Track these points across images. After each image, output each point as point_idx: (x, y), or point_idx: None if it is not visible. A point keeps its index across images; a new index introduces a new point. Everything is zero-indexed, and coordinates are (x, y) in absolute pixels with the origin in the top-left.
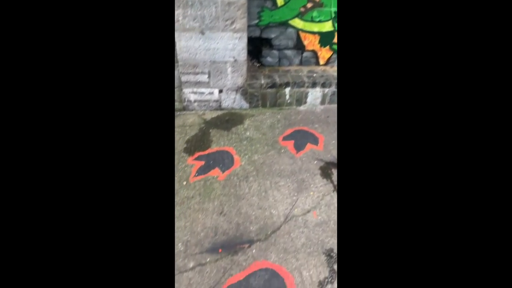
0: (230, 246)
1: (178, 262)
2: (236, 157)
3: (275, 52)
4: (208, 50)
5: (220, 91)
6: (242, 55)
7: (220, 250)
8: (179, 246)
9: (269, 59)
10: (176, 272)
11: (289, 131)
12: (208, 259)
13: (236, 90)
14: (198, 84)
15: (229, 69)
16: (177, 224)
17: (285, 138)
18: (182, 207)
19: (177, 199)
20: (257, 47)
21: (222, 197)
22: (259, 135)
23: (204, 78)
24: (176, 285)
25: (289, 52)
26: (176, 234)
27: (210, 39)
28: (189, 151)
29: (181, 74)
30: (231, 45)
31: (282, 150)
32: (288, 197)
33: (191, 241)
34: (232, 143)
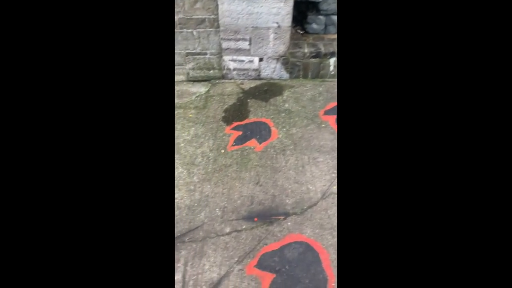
0: (266, 216)
1: (216, 226)
2: (273, 129)
3: (321, 18)
4: (250, 15)
5: (261, 60)
6: (287, 20)
7: (255, 219)
8: (216, 211)
9: (314, 26)
10: (213, 235)
11: (331, 105)
12: (244, 226)
13: (277, 59)
14: (238, 51)
15: (272, 36)
16: (215, 190)
17: (326, 113)
18: (220, 174)
19: (215, 166)
20: (302, 12)
21: (259, 168)
22: (298, 108)
23: (245, 45)
24: (213, 247)
25: (337, 18)
26: (213, 200)
27: (253, 2)
28: (227, 120)
29: (221, 40)
30: (276, 9)
31: (323, 125)
32: (327, 174)
33: (228, 207)
34: (270, 115)
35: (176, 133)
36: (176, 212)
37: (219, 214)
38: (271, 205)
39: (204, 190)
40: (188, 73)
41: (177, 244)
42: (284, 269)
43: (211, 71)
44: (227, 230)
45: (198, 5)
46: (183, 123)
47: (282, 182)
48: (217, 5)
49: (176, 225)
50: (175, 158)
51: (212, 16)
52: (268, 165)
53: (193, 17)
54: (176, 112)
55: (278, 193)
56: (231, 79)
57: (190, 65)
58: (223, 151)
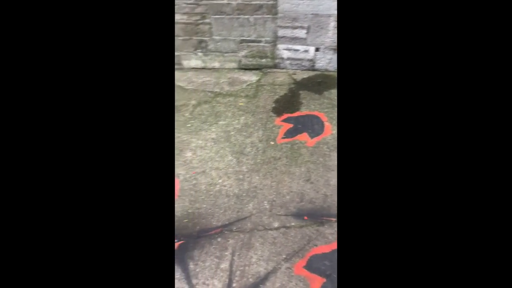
0: (316, 215)
1: (264, 219)
2: (327, 124)
3: None
4: (312, 1)
5: (317, 50)
6: None
7: (305, 217)
8: (264, 204)
9: None
10: (261, 228)
11: None
12: (292, 223)
13: (335, 50)
14: (294, 40)
15: (332, 24)
16: (264, 182)
17: None
18: (269, 166)
19: (264, 157)
20: None
21: (310, 164)
22: None
23: (302, 33)
24: (260, 240)
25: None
26: (262, 192)
27: None
28: (278, 111)
29: (278, 28)
30: None
31: None
32: None
33: (277, 201)
34: (323, 108)
35: (227, 120)
36: (225, 200)
37: (267, 207)
38: (323, 205)
39: (253, 181)
40: (240, 61)
41: (225, 232)
42: (336, 275)
43: (264, 60)
44: (276, 225)
45: None
46: (233, 111)
47: (335, 182)
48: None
49: (224, 212)
50: (225, 146)
51: (271, 2)
52: (320, 162)
53: (252, 3)
54: (227, 99)
55: (331, 193)
56: (283, 68)
57: (243, 53)
58: (272, 143)
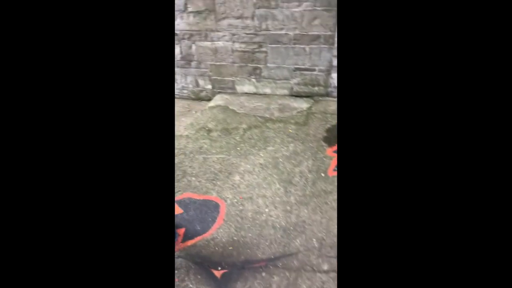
0: None
1: (312, 258)
2: None
3: None
4: None
5: None
6: None
7: None
8: (313, 242)
9: None
10: (308, 268)
11: None
12: None
13: None
14: None
15: None
16: (313, 216)
17: None
18: (319, 200)
19: (313, 190)
20: None
21: None
22: None
23: None
24: (308, 282)
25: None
26: (310, 228)
27: None
28: (329, 141)
29: (333, 57)
30: None
31: None
32: None
33: (327, 241)
34: None
35: (276, 147)
36: (271, 231)
37: (316, 245)
38: None
39: (301, 214)
40: (292, 88)
41: (270, 267)
42: None
43: (316, 88)
44: (325, 267)
45: (316, 21)
46: (282, 137)
47: None
48: (336, 22)
49: (270, 245)
50: (273, 173)
51: (329, 33)
52: None
53: (309, 33)
54: (276, 125)
55: None
56: (335, 97)
57: (295, 80)
58: (323, 174)
